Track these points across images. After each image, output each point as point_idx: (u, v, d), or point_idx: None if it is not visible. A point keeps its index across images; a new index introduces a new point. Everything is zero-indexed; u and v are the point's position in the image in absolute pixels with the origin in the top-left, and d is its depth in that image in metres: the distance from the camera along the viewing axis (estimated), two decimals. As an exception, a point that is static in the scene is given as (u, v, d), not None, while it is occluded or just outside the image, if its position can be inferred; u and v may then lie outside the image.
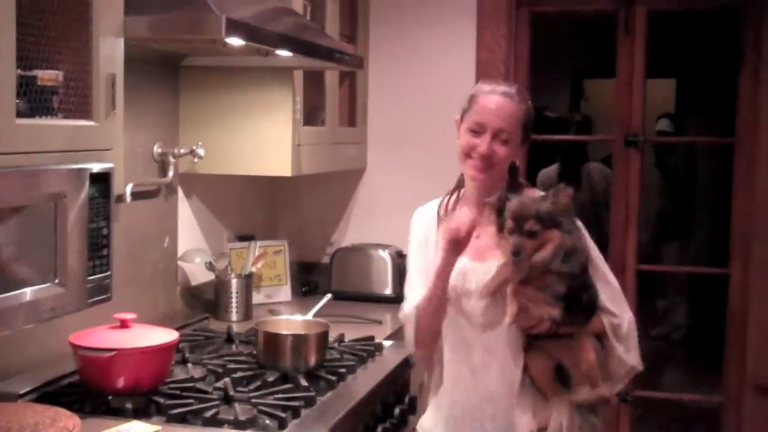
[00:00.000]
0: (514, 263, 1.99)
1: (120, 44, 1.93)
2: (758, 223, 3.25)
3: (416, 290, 2.22)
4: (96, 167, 1.86)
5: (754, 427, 3.35)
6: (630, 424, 3.57)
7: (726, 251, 3.44)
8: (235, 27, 1.97)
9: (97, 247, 1.87)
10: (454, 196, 2.27)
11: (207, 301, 3.06)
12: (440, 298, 2.14)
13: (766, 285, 3.27)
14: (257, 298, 3.23)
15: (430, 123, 3.43)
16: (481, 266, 2.12)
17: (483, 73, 3.30)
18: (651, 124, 6.47)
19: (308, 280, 3.50)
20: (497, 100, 2.13)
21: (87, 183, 1.82)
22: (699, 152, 7.00)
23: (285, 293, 3.34)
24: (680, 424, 4.70)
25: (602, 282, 2.12)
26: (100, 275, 1.88)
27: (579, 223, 2.09)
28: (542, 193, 2.13)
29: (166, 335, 2.17)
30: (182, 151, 2.75)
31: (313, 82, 3.06)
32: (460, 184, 2.27)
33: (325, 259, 3.52)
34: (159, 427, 1.87)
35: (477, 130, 2.12)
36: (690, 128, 7.66)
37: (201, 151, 2.74)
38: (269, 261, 3.29)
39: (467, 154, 2.14)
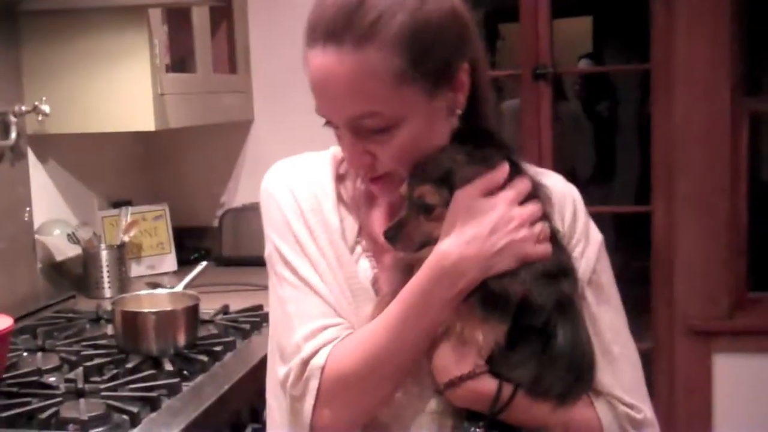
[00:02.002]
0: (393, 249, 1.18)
1: None
2: (679, 154, 3.01)
3: (318, 313, 1.21)
4: None
5: (687, 370, 3.15)
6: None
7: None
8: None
9: None
10: None
11: (77, 277, 2.71)
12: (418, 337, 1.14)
13: (692, 220, 3.04)
14: (138, 270, 2.90)
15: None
16: None
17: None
18: (573, 64, 6.30)
19: (197, 246, 3.17)
20: (322, 64, 1.11)
21: None
22: (623, 94, 6.87)
23: (170, 263, 3.00)
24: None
25: (608, 333, 1.22)
26: None
27: (568, 208, 1.25)
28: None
29: (-5, 323, 1.84)
30: (24, 108, 2.39)
31: (180, 25, 2.71)
32: None
33: (215, 222, 3.19)
34: (-24, 437, 1.54)
35: (331, 124, 1.18)
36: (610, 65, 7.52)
37: (46, 108, 2.38)
38: (149, 228, 2.96)
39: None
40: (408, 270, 1.15)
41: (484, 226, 1.10)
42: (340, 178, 1.30)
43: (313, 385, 1.16)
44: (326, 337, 1.19)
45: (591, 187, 6.16)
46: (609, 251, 4.55)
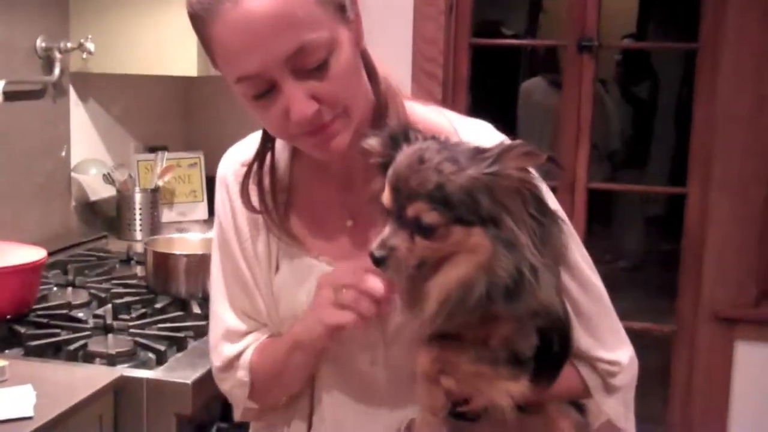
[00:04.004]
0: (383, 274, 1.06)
1: None
2: (719, 138, 2.97)
3: (234, 317, 1.28)
4: None
5: (708, 357, 3.13)
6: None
7: (685, 176, 3.16)
8: None
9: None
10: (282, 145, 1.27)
11: (109, 218, 2.74)
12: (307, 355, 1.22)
13: (726, 206, 3.00)
14: (169, 215, 2.92)
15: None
16: None
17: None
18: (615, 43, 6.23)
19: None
20: (241, 13, 1.04)
21: None
22: (664, 79, 6.79)
23: (201, 211, 3.02)
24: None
25: (584, 299, 1.22)
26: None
27: (556, 211, 1.10)
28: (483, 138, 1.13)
29: (30, 254, 1.86)
30: (69, 45, 2.40)
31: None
32: None
33: (248, 174, 3.19)
34: (5, 363, 1.56)
35: (260, 88, 1.08)
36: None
37: (90, 46, 2.39)
38: (183, 175, 2.97)
39: (286, 135, 1.15)
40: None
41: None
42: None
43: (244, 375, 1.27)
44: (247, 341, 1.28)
45: (624, 169, 6.14)
46: (639, 233, 4.49)
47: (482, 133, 1.22)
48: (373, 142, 1.06)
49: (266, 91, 1.08)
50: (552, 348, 1.11)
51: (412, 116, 1.21)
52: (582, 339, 1.22)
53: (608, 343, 1.24)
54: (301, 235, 1.25)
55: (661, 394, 3.25)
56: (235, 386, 1.28)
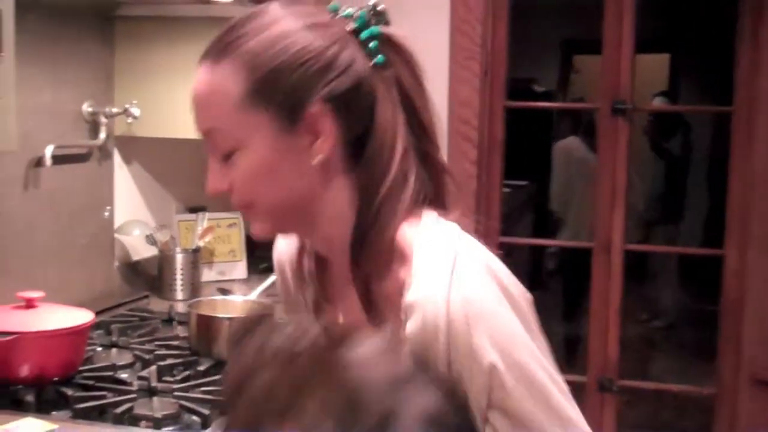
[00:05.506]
0: None
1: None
2: (757, 198, 2.97)
3: None
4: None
5: (750, 421, 3.09)
6: (615, 414, 3.30)
7: (721, 234, 3.16)
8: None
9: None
10: None
11: (151, 278, 2.78)
12: None
13: (765, 267, 2.99)
14: (209, 275, 2.95)
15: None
16: None
17: (457, 30, 3.00)
18: (646, 101, 6.24)
19: (267, 255, 3.20)
20: (194, 79, 1.14)
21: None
22: (696, 134, 6.80)
23: (240, 270, 3.05)
24: (670, 414, 4.48)
25: None
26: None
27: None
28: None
29: (78, 316, 1.89)
30: (115, 110, 2.46)
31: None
32: None
33: (287, 234, 3.23)
34: (55, 426, 1.58)
35: (204, 147, 1.17)
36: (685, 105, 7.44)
37: (136, 111, 2.45)
38: (222, 235, 3.01)
39: None
40: None
41: None
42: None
43: None
44: None
45: (657, 226, 6.12)
46: (674, 292, 4.45)
47: (434, 263, 1.05)
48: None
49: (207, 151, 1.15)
50: None
51: (399, 240, 1.10)
52: None
53: None
54: None
55: (703, 459, 3.21)
56: None
